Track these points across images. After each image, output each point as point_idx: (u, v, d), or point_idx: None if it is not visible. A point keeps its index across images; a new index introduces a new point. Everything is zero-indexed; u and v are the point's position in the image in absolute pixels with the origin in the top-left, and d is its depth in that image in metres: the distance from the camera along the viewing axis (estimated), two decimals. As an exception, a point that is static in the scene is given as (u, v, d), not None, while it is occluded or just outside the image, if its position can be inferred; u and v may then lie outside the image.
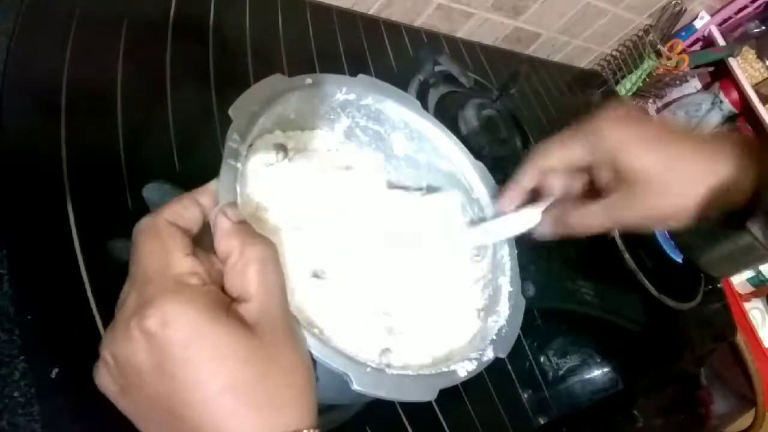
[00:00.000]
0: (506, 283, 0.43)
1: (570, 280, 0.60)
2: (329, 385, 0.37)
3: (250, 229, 0.32)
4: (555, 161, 0.46)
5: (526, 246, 0.48)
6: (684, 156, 0.41)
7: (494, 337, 0.39)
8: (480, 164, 0.49)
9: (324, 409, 0.51)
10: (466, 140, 0.77)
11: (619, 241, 0.95)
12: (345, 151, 0.47)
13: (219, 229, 0.32)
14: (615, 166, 0.42)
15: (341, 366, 0.31)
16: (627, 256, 0.95)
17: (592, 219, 0.44)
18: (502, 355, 0.39)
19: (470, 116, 0.77)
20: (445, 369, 0.36)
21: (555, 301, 0.59)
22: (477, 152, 0.75)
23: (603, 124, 0.43)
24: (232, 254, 0.31)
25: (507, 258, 0.44)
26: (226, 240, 0.31)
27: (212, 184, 0.35)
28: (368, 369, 0.32)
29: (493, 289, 0.44)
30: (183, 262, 0.30)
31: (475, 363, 0.37)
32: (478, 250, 0.48)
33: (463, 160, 0.49)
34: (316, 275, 0.39)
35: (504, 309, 0.42)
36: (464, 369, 0.36)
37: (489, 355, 0.38)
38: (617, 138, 0.42)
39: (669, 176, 0.41)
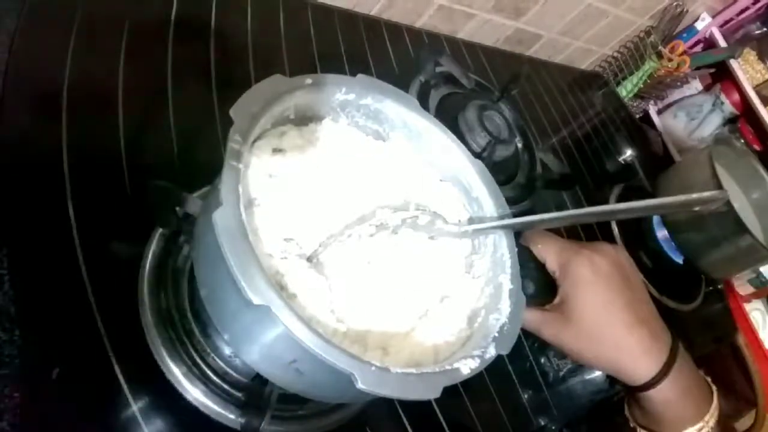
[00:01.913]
0: (507, 280, 0.43)
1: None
2: (333, 385, 0.37)
3: None
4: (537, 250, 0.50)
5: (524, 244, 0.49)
6: (623, 346, 0.46)
7: (496, 335, 0.39)
8: (479, 162, 0.49)
9: (326, 411, 0.51)
10: (467, 141, 0.77)
11: (619, 242, 0.95)
12: (343, 142, 0.47)
13: None
14: (570, 307, 0.47)
15: (346, 365, 0.31)
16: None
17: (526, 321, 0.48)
18: (504, 352, 0.38)
19: (471, 117, 0.77)
20: (448, 367, 0.36)
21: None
22: (477, 153, 0.76)
23: (584, 273, 0.47)
24: None
25: (507, 256, 0.44)
26: None
27: None
28: (373, 368, 0.32)
29: (494, 287, 0.44)
30: None
31: (478, 360, 0.37)
32: (474, 247, 0.48)
33: (462, 158, 0.49)
34: (313, 268, 0.39)
35: (505, 306, 0.41)
36: (467, 366, 0.36)
37: (491, 352, 0.38)
38: (584, 298, 0.46)
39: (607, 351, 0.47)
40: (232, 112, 0.36)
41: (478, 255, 0.47)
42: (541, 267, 0.50)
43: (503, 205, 0.48)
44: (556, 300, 0.48)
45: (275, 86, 0.40)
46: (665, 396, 0.46)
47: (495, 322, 0.41)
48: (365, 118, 0.47)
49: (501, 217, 0.46)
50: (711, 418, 0.47)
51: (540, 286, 0.48)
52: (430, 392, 0.34)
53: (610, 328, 0.46)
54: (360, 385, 0.31)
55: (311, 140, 0.45)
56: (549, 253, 0.49)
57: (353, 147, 0.47)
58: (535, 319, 0.48)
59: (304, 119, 0.45)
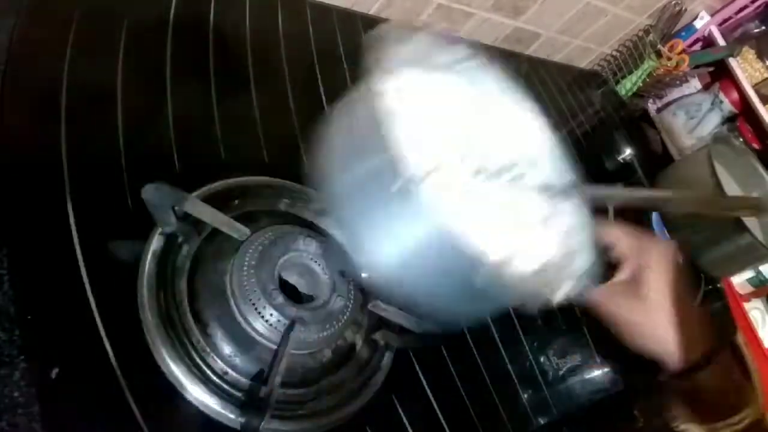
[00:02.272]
0: (580, 239, 0.46)
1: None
2: (452, 283, 0.38)
3: None
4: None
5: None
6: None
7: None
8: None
9: (326, 410, 0.51)
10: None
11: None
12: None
13: None
14: (645, 283, 0.50)
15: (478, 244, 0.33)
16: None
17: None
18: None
19: (470, 116, 0.77)
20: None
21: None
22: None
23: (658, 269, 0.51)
24: None
25: (583, 223, 0.48)
26: None
27: None
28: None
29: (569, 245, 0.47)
30: None
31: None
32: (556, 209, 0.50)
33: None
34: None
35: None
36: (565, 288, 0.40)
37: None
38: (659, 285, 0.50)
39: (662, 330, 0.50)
40: (370, 38, 0.37)
41: (558, 216, 0.49)
42: (603, 246, 0.53)
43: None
44: (621, 277, 0.52)
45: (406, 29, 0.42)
46: (706, 382, 0.49)
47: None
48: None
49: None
50: (747, 417, 0.49)
51: (601, 262, 0.51)
52: (537, 300, 0.37)
53: (674, 308, 0.50)
54: (489, 262, 0.33)
55: (437, 84, 0.47)
56: (621, 236, 0.53)
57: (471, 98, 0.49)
58: (601, 293, 0.52)
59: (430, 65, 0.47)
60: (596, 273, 0.47)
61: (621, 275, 0.52)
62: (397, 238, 0.37)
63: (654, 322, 0.50)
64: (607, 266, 0.53)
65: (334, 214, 0.40)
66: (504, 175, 0.46)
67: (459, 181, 0.42)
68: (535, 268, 0.44)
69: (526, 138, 0.53)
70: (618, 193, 0.47)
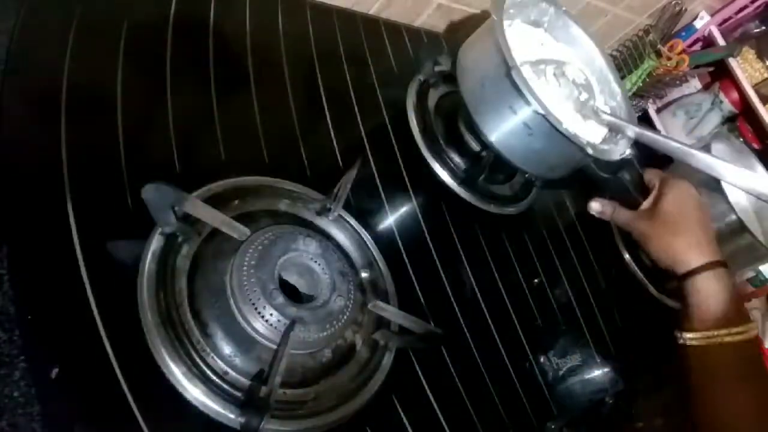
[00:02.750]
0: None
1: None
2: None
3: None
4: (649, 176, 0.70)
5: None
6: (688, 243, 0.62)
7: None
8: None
9: (326, 410, 0.51)
10: (466, 140, 0.77)
11: (619, 243, 0.95)
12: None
13: None
14: (660, 203, 0.64)
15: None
16: (627, 256, 0.96)
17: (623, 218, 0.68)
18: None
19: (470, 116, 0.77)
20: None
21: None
22: (477, 153, 0.76)
23: (676, 192, 0.65)
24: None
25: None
26: None
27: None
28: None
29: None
30: None
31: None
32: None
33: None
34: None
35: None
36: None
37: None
38: (672, 203, 0.64)
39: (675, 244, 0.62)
40: None
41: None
42: (639, 174, 0.70)
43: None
44: (646, 204, 0.66)
45: None
46: (706, 286, 0.58)
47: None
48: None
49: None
50: (745, 332, 0.56)
51: (634, 183, 0.69)
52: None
53: (684, 222, 0.62)
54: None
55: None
56: (655, 175, 0.68)
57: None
58: (629, 216, 0.67)
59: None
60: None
61: (646, 203, 0.66)
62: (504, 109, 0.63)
63: (668, 233, 0.62)
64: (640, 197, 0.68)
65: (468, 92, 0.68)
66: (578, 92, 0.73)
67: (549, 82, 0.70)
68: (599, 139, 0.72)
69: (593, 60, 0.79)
70: (662, 141, 0.66)
